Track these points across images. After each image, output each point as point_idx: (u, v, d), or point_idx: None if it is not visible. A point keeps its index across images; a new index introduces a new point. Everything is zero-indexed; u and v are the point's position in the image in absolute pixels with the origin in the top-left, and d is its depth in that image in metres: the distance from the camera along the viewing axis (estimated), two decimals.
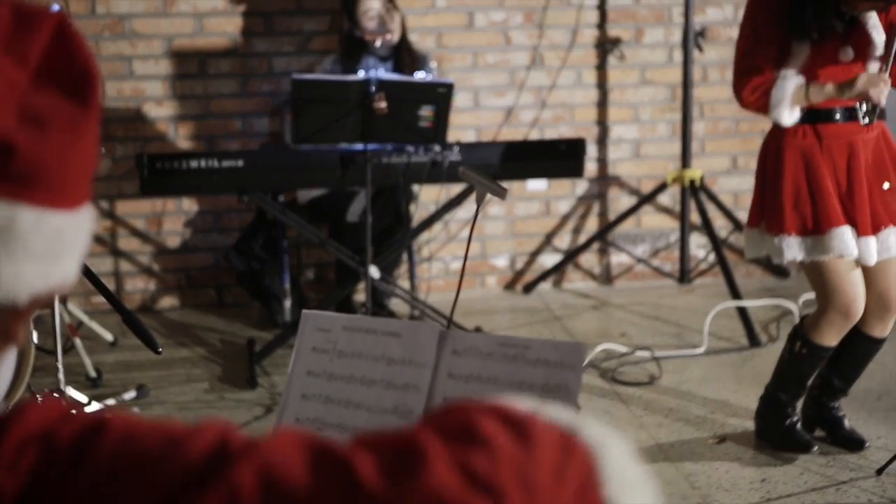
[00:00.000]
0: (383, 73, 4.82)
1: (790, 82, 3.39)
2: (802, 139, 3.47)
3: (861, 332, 3.62)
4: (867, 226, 3.42)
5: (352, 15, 4.89)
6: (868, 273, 3.53)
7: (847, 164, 3.45)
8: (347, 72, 4.81)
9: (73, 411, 0.88)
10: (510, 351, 1.55)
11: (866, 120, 3.46)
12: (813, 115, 3.46)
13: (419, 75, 4.89)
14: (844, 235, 3.40)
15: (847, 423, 3.75)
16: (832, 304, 3.50)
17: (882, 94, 3.36)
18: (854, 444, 3.70)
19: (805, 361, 3.64)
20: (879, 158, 3.49)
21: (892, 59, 3.38)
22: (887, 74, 3.37)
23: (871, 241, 3.42)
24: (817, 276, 3.51)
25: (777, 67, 3.42)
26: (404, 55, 4.95)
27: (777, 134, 3.52)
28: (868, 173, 3.47)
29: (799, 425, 3.74)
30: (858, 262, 3.47)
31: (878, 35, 3.43)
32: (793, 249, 3.46)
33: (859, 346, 3.66)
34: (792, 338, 3.67)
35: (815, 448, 3.67)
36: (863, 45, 3.42)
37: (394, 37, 4.90)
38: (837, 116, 3.46)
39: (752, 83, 3.44)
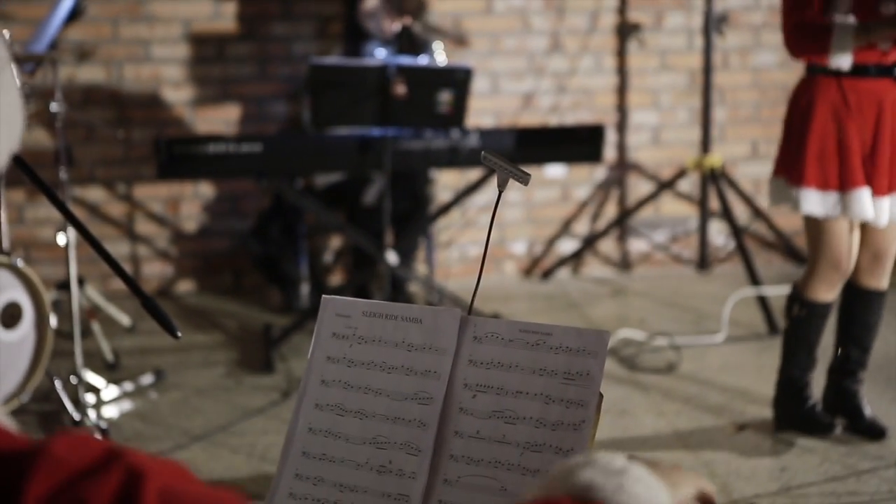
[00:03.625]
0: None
1: (847, 24, 3.37)
2: (834, 93, 3.46)
3: (859, 287, 3.65)
4: (883, 187, 3.44)
5: (353, 13, 4.87)
6: (867, 231, 3.56)
7: (875, 123, 3.45)
8: (352, 58, 4.79)
9: (106, 457, 0.82)
10: (532, 337, 1.54)
11: None
12: (846, 70, 3.45)
13: (421, 60, 4.86)
14: (863, 198, 3.42)
15: (868, 410, 3.72)
16: (824, 257, 3.54)
17: None
18: (876, 432, 3.68)
19: (807, 323, 3.65)
20: None
21: None
22: None
23: (886, 203, 3.45)
24: (817, 229, 3.54)
25: (825, 14, 3.42)
26: (405, 40, 4.92)
27: (809, 85, 3.52)
28: (893, 133, 3.47)
29: (819, 407, 3.72)
30: (859, 221, 3.51)
31: None
32: (811, 203, 3.47)
33: (859, 300, 3.67)
34: (789, 305, 3.69)
35: (838, 429, 3.66)
36: None
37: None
38: (870, 72, 3.45)
39: (807, 30, 3.42)
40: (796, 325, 3.67)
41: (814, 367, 3.73)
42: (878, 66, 3.46)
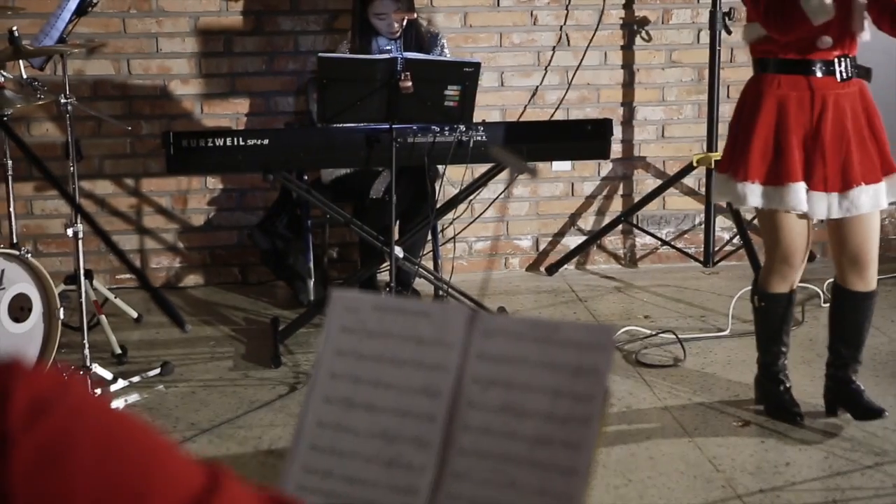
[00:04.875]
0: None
1: None
2: (779, 89, 3.56)
3: (845, 290, 3.73)
4: (821, 183, 3.53)
5: (364, 11, 4.87)
6: (840, 231, 3.64)
7: (817, 119, 3.54)
8: (360, 53, 4.80)
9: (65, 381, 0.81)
10: (540, 333, 1.55)
11: (845, 75, 3.55)
12: (792, 67, 3.55)
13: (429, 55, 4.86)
14: (798, 192, 3.53)
15: (866, 396, 3.77)
16: (776, 251, 3.69)
17: None
18: (873, 413, 3.73)
19: (766, 313, 3.82)
20: (856, 116, 3.58)
21: None
22: None
23: (822, 197, 3.54)
24: (768, 224, 3.68)
25: None
26: (412, 36, 4.92)
27: (757, 83, 3.63)
28: (844, 130, 3.55)
29: (789, 395, 3.84)
30: (806, 217, 3.61)
31: None
32: (754, 196, 3.59)
33: (848, 304, 3.75)
34: (751, 297, 3.87)
35: (801, 420, 3.77)
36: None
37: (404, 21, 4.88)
38: (816, 70, 3.53)
39: (778, 4, 3.43)
40: (759, 315, 3.86)
41: (784, 355, 3.87)
42: (821, 64, 3.53)
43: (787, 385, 3.87)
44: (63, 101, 3.97)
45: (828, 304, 4.77)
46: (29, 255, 3.89)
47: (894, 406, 3.92)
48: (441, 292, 4.98)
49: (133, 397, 4.15)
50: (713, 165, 5.42)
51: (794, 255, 3.67)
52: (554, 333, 1.48)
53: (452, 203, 4.94)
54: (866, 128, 3.57)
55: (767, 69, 3.60)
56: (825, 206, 3.56)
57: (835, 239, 3.68)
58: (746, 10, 3.67)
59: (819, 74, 3.54)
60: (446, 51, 5.03)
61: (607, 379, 1.46)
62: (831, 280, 4.72)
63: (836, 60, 3.54)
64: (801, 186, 3.54)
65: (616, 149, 5.68)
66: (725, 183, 3.69)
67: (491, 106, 5.60)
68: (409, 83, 4.22)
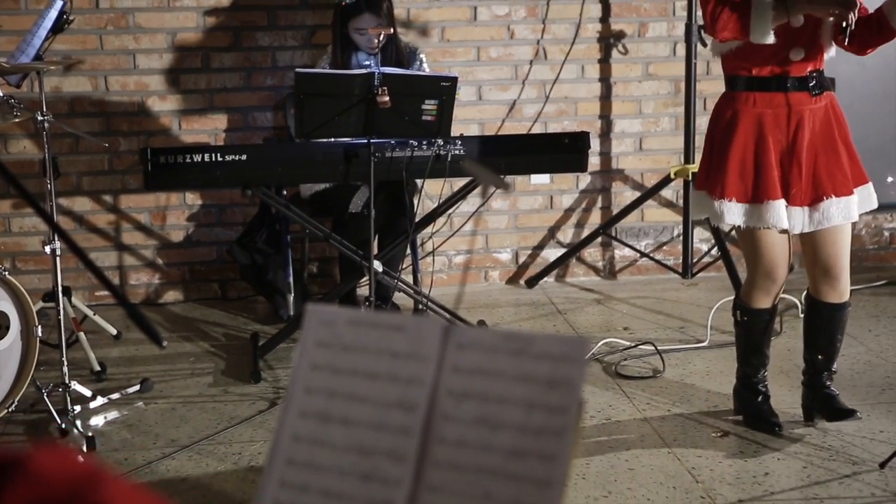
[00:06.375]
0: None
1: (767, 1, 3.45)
2: (754, 106, 3.59)
3: (819, 301, 3.77)
4: (798, 198, 3.58)
5: (345, 26, 4.88)
6: (812, 243, 3.68)
7: (793, 135, 3.58)
8: (340, 69, 4.81)
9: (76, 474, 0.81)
10: (515, 345, 1.56)
11: (816, 90, 3.58)
12: (764, 84, 3.58)
13: (406, 70, 4.87)
14: (779, 209, 3.57)
15: (839, 398, 3.80)
16: (758, 267, 3.71)
17: (853, 16, 3.42)
18: (845, 414, 3.77)
19: (748, 327, 3.84)
20: (827, 128, 3.61)
21: None
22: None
23: (799, 212, 3.58)
24: (749, 241, 3.69)
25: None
26: (391, 51, 4.93)
27: (730, 101, 3.66)
28: (816, 143, 3.59)
29: (767, 405, 3.87)
30: (787, 231, 3.64)
31: None
32: (732, 214, 3.62)
33: (821, 315, 3.79)
34: (733, 311, 3.89)
35: (780, 430, 3.80)
36: (811, 23, 3.50)
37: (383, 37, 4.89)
38: (788, 85, 3.57)
39: (727, 8, 3.48)
40: (740, 328, 3.88)
41: (764, 366, 3.90)
42: (794, 80, 3.57)
43: (766, 395, 3.89)
44: (40, 118, 3.97)
45: None
46: (6, 272, 3.88)
47: (871, 415, 3.94)
48: (421, 306, 4.99)
49: (112, 414, 4.13)
50: (690, 177, 5.45)
51: (775, 270, 3.70)
52: (528, 346, 1.49)
53: (431, 217, 4.95)
54: (839, 139, 3.60)
55: (739, 87, 3.63)
56: (802, 220, 3.59)
57: (807, 251, 3.72)
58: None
59: (793, 90, 3.57)
60: (425, 65, 5.04)
61: (581, 390, 1.47)
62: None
63: (808, 75, 3.57)
64: (780, 204, 3.56)
65: (594, 161, 5.70)
66: (703, 200, 3.72)
67: (469, 120, 5.62)
68: (387, 98, 4.23)
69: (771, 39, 3.47)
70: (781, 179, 3.57)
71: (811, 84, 3.57)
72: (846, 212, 3.59)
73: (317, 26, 5.49)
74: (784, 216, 3.57)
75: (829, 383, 3.83)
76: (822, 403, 3.83)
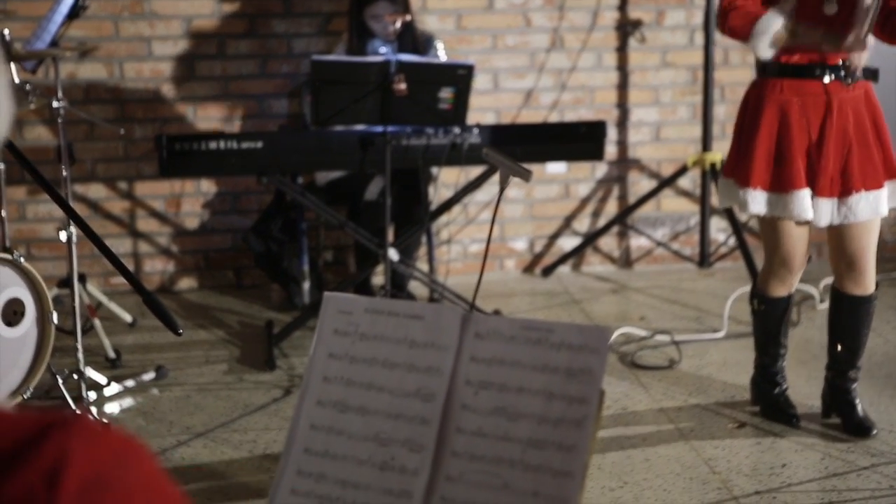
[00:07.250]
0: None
1: (778, 18, 3.44)
2: (781, 94, 3.54)
3: (843, 294, 3.71)
4: (825, 189, 3.52)
5: (361, 13, 4.86)
6: (839, 237, 3.63)
7: (821, 124, 3.52)
8: (356, 56, 4.79)
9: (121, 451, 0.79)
10: (533, 334, 1.54)
11: (849, 80, 3.51)
12: (794, 71, 3.52)
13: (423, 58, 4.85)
14: (804, 199, 3.52)
15: (860, 409, 3.74)
16: (776, 255, 3.69)
17: (862, 59, 3.42)
18: (862, 430, 3.70)
19: (767, 316, 3.82)
20: (860, 119, 3.54)
21: (871, 19, 3.35)
22: (868, 36, 3.38)
23: (827, 203, 3.53)
24: (769, 228, 3.66)
25: (764, 7, 3.50)
26: (407, 38, 4.91)
27: (758, 87, 3.61)
28: (850, 134, 3.53)
29: (785, 396, 3.85)
30: (808, 221, 3.59)
31: None
32: (757, 203, 3.58)
33: (845, 308, 3.73)
34: (750, 300, 3.86)
35: (797, 422, 3.77)
36: (847, 2, 3.41)
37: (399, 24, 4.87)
38: (821, 73, 3.51)
39: (740, 10, 3.48)
40: (758, 318, 3.86)
41: (782, 357, 3.87)
42: (828, 68, 3.50)
43: (784, 386, 3.86)
44: (55, 104, 3.96)
45: (823, 305, 4.78)
46: (22, 259, 3.87)
47: (889, 408, 3.91)
48: (436, 295, 4.97)
49: (127, 401, 4.14)
50: (707, 167, 5.42)
51: (793, 260, 3.67)
52: (547, 335, 1.47)
53: (447, 205, 4.93)
54: (871, 131, 3.53)
55: (769, 73, 3.58)
56: (829, 211, 3.54)
57: (833, 244, 3.66)
58: None
59: (825, 79, 3.50)
60: (442, 53, 5.02)
61: (601, 380, 1.46)
62: (827, 281, 4.72)
63: (841, 64, 3.50)
64: (805, 193, 3.51)
65: (611, 150, 5.67)
66: (730, 188, 3.68)
67: (485, 108, 5.59)
68: (403, 85, 4.21)
69: (769, 55, 3.45)
70: (807, 169, 3.53)
71: (844, 73, 3.51)
72: (875, 206, 3.53)
73: (333, 13, 5.47)
74: (809, 206, 3.52)
75: (852, 387, 3.76)
76: (840, 411, 3.78)
